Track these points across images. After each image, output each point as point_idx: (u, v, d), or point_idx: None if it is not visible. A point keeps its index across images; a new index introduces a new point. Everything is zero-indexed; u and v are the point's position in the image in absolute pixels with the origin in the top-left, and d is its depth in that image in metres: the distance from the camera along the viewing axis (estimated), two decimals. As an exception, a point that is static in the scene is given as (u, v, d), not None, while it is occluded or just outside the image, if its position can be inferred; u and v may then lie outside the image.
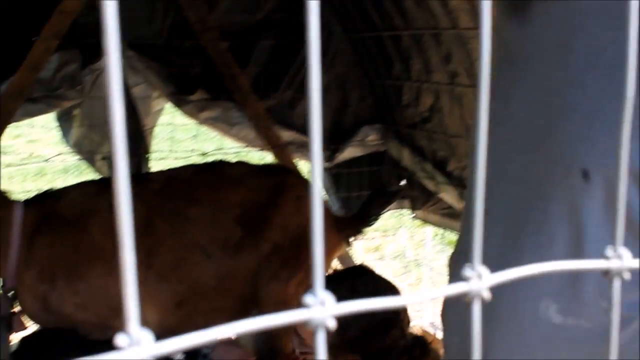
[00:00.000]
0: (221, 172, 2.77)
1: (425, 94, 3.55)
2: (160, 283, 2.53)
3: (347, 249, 3.57)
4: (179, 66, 3.51)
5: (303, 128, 3.90)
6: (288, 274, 2.59)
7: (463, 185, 3.43)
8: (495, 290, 1.09)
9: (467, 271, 0.33)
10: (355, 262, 3.71)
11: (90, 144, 3.47)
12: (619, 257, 0.35)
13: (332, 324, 0.33)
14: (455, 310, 1.22)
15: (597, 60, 0.96)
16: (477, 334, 0.33)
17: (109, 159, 3.51)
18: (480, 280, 0.34)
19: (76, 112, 3.41)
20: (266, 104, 3.76)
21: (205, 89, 3.60)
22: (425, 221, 4.02)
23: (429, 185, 3.78)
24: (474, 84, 3.13)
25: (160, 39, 3.47)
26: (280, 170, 3.00)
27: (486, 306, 1.13)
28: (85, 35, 3.28)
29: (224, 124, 3.68)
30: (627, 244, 0.95)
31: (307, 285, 2.67)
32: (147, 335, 0.30)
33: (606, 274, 0.36)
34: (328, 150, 3.94)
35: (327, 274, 2.17)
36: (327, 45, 3.84)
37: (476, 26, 2.92)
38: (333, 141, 3.96)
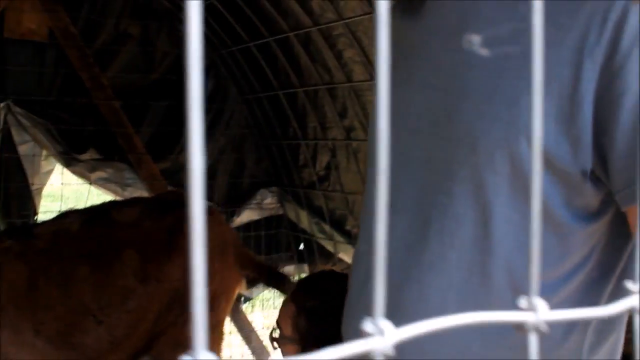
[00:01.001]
0: (111, 219, 2.60)
1: (322, 152, 3.58)
2: (51, 350, 2.36)
3: (243, 305, 3.48)
4: (70, 124, 3.41)
5: (199, 191, 3.84)
6: (186, 318, 2.47)
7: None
8: (400, 281, 1.05)
9: (367, 327, 0.30)
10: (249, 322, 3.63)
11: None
12: (534, 309, 0.33)
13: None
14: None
15: (493, 41, 0.98)
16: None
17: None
18: (384, 337, 0.30)
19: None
20: (161, 165, 3.69)
21: (96, 149, 3.50)
22: (325, 284, 3.97)
23: (328, 246, 3.76)
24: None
25: (50, 96, 3.37)
26: (178, 205, 2.76)
27: (391, 298, 1.08)
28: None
29: (116, 186, 3.57)
30: (545, 237, 0.95)
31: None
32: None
33: (520, 328, 0.34)
34: (225, 214, 3.88)
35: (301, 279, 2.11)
36: (223, 107, 3.85)
37: (370, 79, 3.00)
38: (230, 204, 3.91)
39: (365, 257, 1.15)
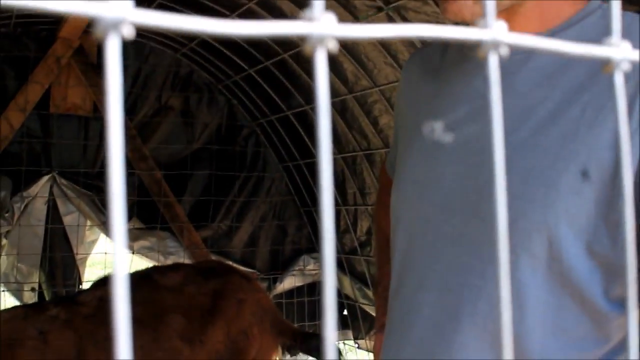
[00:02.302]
0: (154, 283, 2.66)
1: (362, 217, 3.57)
2: None
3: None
4: (113, 195, 3.48)
5: (241, 258, 3.85)
6: None
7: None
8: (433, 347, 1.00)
9: None
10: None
11: (18, 274, 3.34)
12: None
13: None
14: None
15: (528, 118, 0.94)
16: None
17: (37, 290, 3.37)
18: None
19: (4, 241, 3.31)
20: (203, 233, 3.73)
21: (139, 218, 3.55)
22: (370, 351, 3.90)
23: (372, 311, 3.71)
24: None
25: (94, 167, 3.46)
26: (219, 271, 2.85)
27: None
28: (16, 163, 3.25)
29: (158, 254, 3.61)
30: (581, 323, 0.91)
31: None
32: None
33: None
34: (267, 280, 3.88)
35: None
36: (263, 175, 3.88)
37: (406, 144, 3.00)
38: (272, 271, 3.91)
39: (393, 334, 1.12)
